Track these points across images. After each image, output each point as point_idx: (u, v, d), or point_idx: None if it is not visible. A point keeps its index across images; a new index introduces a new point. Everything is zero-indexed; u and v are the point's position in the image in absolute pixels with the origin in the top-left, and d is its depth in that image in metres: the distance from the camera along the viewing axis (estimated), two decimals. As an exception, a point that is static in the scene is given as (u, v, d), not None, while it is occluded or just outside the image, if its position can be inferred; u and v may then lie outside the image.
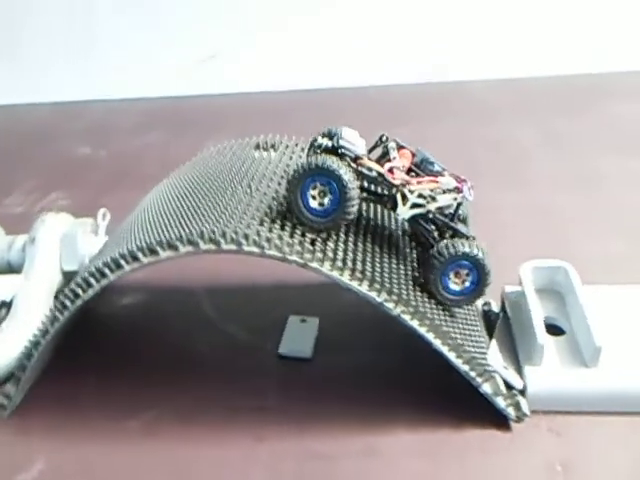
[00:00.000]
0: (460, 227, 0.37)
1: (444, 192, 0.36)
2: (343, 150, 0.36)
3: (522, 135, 0.73)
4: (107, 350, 0.46)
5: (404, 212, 0.37)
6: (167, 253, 0.34)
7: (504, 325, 0.41)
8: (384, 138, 0.39)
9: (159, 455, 0.37)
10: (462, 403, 0.38)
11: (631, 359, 0.37)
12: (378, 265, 0.35)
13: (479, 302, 0.42)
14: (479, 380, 0.35)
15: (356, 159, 0.36)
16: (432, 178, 0.36)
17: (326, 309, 0.47)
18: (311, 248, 0.34)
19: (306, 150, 0.41)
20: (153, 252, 0.34)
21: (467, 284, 0.36)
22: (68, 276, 0.49)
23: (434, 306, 0.36)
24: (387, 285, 0.34)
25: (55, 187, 0.74)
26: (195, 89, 0.99)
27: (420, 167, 0.38)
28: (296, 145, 0.45)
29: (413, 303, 0.34)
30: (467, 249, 0.35)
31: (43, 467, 0.37)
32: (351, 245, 0.36)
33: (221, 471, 0.36)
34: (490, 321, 0.42)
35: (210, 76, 0.99)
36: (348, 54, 0.92)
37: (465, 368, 0.35)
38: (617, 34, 0.84)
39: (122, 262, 0.34)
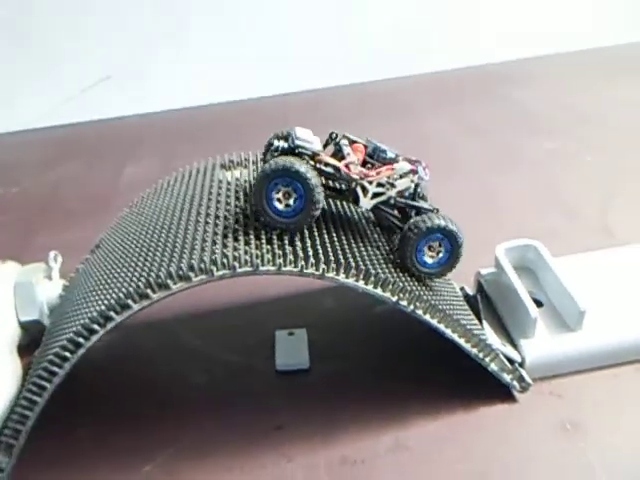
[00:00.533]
0: (422, 204, 0.39)
1: (401, 177, 0.38)
2: (300, 149, 0.36)
3: (440, 126, 0.77)
4: (93, 398, 0.43)
5: (366, 203, 0.38)
6: (179, 285, 0.33)
7: (484, 305, 0.44)
8: (334, 135, 0.40)
9: (186, 494, 0.36)
10: (466, 383, 0.40)
11: (606, 317, 0.41)
12: (383, 263, 0.37)
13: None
14: (487, 360, 0.38)
15: (314, 156, 0.37)
16: (388, 166, 0.38)
17: (308, 318, 0.48)
18: (323, 258, 0.34)
19: (261, 154, 0.41)
20: (163, 286, 0.33)
21: (441, 255, 0.38)
22: (27, 326, 0.46)
23: (438, 295, 0.38)
24: (400, 284, 0.35)
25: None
26: (94, 114, 0.95)
27: (374, 157, 0.40)
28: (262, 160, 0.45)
29: (425, 297, 0.36)
30: (438, 222, 0.37)
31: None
32: (354, 247, 0.37)
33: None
34: (470, 304, 0.44)
35: (107, 99, 0.95)
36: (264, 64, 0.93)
37: (475, 351, 0.37)
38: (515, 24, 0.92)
39: (129, 302, 0.33)
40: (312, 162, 0.36)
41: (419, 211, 0.39)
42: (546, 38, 0.93)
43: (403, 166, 0.38)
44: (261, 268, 0.33)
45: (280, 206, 0.35)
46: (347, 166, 0.37)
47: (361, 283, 0.34)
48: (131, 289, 0.33)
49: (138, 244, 0.37)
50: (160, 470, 0.37)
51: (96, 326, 0.33)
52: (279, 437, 0.39)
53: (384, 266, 0.36)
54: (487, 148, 0.70)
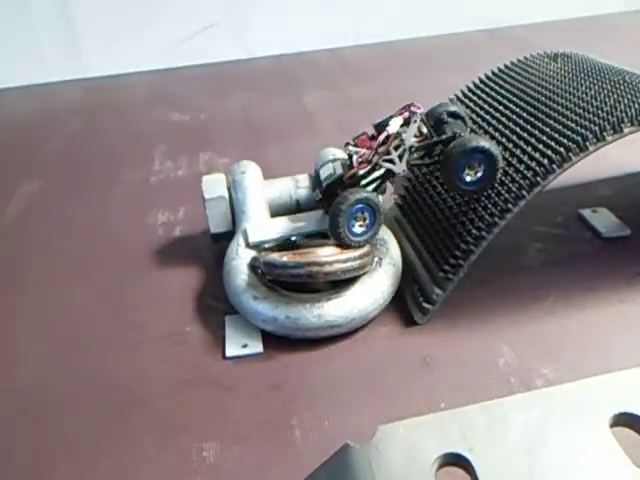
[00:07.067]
0: (443, 136, 0.41)
1: (402, 127, 0.40)
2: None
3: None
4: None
5: (401, 167, 0.41)
6: (630, 129, 0.39)
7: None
8: (345, 146, 0.43)
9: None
10: None
11: None
12: None
13: None
14: None
15: (347, 177, 0.42)
16: (383, 134, 0.40)
17: (593, 201, 0.54)
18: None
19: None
20: (618, 130, 0.39)
21: (479, 174, 0.40)
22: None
23: None
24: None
25: (193, 150, 0.71)
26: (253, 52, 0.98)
27: (379, 131, 0.41)
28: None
29: None
30: (475, 143, 0.39)
31: (509, 351, 0.40)
32: None
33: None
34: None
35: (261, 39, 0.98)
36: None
37: None
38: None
39: (587, 144, 0.39)
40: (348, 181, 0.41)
41: (439, 143, 0.41)
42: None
43: (393, 125, 0.40)
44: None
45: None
46: (359, 164, 0.41)
47: None
48: (587, 133, 0.39)
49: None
50: (558, 302, 0.44)
51: (541, 174, 0.39)
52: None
53: None
54: None
